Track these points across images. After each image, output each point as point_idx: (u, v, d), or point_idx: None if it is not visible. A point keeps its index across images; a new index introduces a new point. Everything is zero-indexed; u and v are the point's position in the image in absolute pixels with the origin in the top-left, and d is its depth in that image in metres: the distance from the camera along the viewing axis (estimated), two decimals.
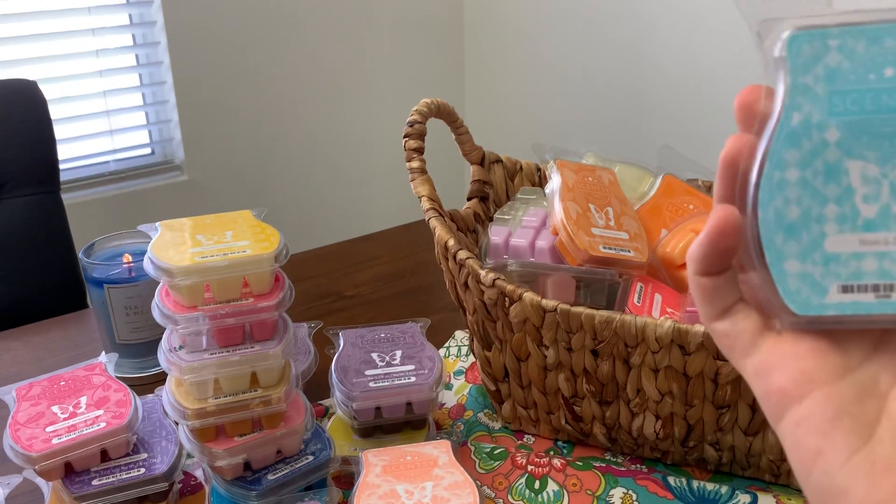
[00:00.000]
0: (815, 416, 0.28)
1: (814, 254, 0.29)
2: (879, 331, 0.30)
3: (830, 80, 0.29)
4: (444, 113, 0.75)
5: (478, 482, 0.58)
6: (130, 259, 0.81)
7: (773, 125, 0.29)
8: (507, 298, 0.62)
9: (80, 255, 0.80)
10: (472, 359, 0.83)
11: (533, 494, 0.65)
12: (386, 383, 0.66)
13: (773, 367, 0.30)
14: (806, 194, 0.29)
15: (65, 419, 0.58)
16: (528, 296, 0.60)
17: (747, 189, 0.29)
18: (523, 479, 0.67)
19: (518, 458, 0.69)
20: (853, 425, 0.28)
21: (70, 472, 0.57)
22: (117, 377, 0.63)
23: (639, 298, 0.64)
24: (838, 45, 0.29)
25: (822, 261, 0.29)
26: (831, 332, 0.30)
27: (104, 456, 0.58)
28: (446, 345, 0.86)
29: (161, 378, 0.71)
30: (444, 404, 0.77)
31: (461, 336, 0.87)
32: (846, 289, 0.29)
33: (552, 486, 0.66)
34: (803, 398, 0.29)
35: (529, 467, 0.68)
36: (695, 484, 0.65)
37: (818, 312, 0.29)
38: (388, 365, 0.69)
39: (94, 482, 0.57)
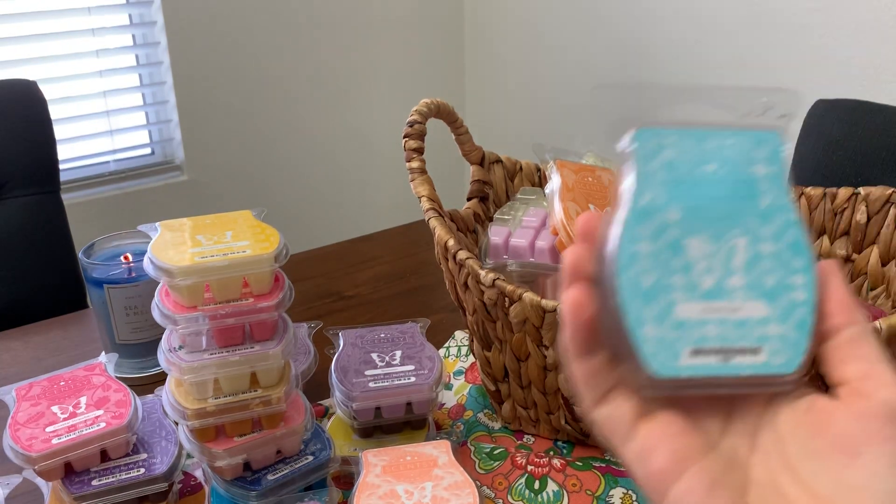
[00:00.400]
0: (694, 491, 0.31)
1: (667, 320, 0.32)
2: (726, 406, 0.34)
3: (669, 170, 0.34)
4: (444, 113, 0.75)
5: (478, 482, 0.58)
6: (130, 259, 0.81)
7: (626, 206, 0.34)
8: (506, 298, 0.62)
9: (80, 255, 0.80)
10: (471, 359, 0.83)
11: (533, 494, 0.65)
12: (386, 383, 0.66)
13: (651, 449, 0.32)
14: (656, 265, 0.33)
15: (65, 419, 0.58)
16: (528, 296, 0.60)
17: (606, 262, 0.33)
18: (523, 480, 0.67)
19: (518, 459, 0.69)
20: (728, 494, 0.31)
21: (70, 472, 0.57)
22: (117, 377, 0.63)
23: None
24: (673, 142, 0.35)
25: (674, 326, 0.32)
26: (691, 412, 0.33)
27: (104, 456, 0.58)
28: (446, 345, 0.86)
29: (161, 378, 0.71)
30: (443, 404, 0.77)
31: (461, 336, 0.87)
32: (696, 352, 0.32)
33: (552, 487, 0.66)
34: (681, 475, 0.31)
35: (529, 467, 0.68)
36: None
37: (674, 374, 0.32)
38: (388, 365, 0.69)
39: (94, 482, 0.57)
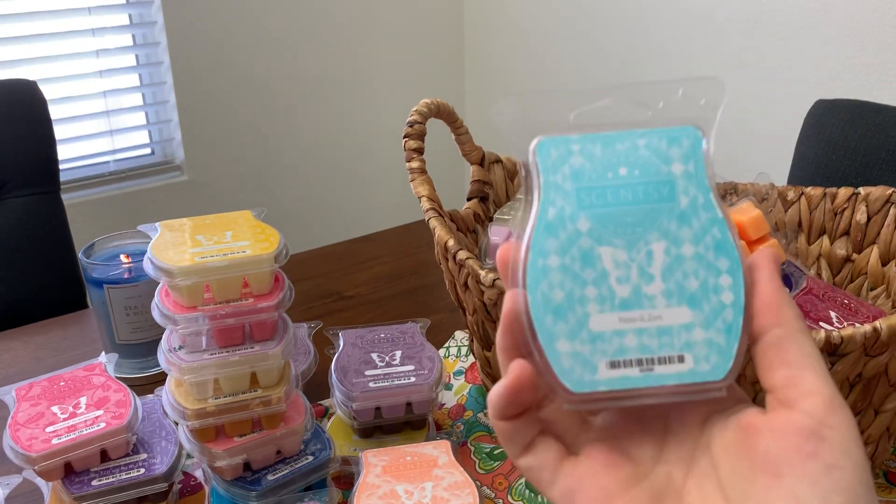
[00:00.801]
0: None
1: (581, 333, 0.31)
2: (660, 430, 0.33)
3: (576, 179, 0.33)
4: (444, 113, 0.75)
5: (478, 482, 0.58)
6: (130, 259, 0.81)
7: (532, 219, 0.33)
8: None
9: (80, 255, 0.80)
10: (471, 359, 0.83)
11: (533, 495, 0.65)
12: (386, 383, 0.66)
13: (574, 489, 0.32)
14: (567, 278, 0.32)
15: (65, 419, 0.58)
16: None
17: (517, 279, 0.32)
18: (523, 480, 0.67)
19: None
20: None
21: (70, 472, 0.57)
22: (117, 377, 0.63)
23: None
24: (580, 149, 0.33)
25: (589, 339, 0.31)
26: (622, 440, 0.33)
27: (104, 456, 0.58)
28: (446, 345, 0.86)
29: (161, 378, 0.71)
30: (443, 404, 0.77)
31: (461, 336, 0.87)
32: (614, 364, 0.31)
33: None
34: None
35: None
36: None
37: (591, 389, 0.31)
38: (388, 365, 0.69)
39: (94, 482, 0.57)
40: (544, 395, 0.33)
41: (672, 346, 0.31)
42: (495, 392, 0.32)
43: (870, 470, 0.28)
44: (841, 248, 0.76)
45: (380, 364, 0.69)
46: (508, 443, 0.33)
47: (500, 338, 0.33)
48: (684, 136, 0.33)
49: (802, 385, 0.29)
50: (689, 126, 0.34)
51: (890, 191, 0.73)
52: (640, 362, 0.31)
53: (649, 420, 0.33)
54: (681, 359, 0.31)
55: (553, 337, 0.31)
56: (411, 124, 0.72)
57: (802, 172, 1.07)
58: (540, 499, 0.65)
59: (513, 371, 0.31)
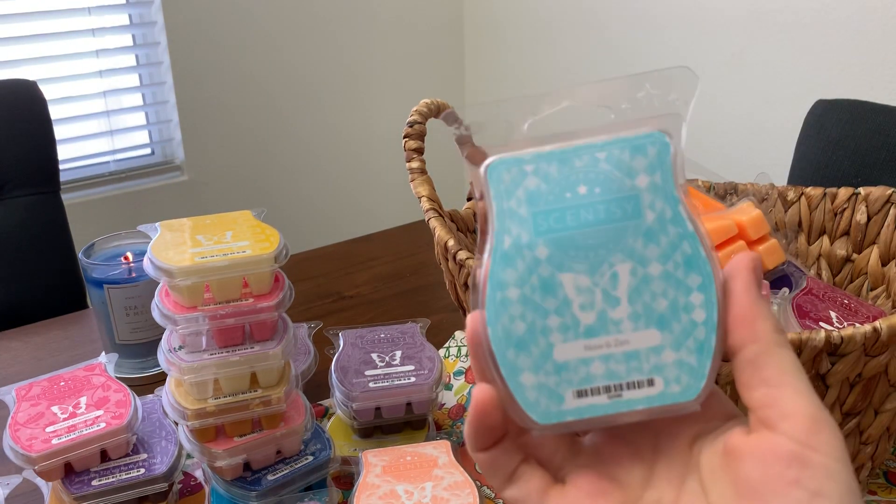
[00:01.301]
0: None
1: (545, 364, 0.30)
2: (650, 454, 0.32)
3: (532, 202, 0.31)
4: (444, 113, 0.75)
5: (478, 482, 0.58)
6: (130, 259, 0.81)
7: (488, 250, 0.31)
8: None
9: (80, 255, 0.80)
10: None
11: None
12: (386, 383, 0.66)
13: None
14: (528, 309, 0.30)
15: (65, 419, 0.58)
16: None
17: (478, 312, 0.31)
18: None
19: None
20: None
21: (70, 472, 0.57)
22: (117, 377, 0.63)
23: None
24: (534, 170, 0.31)
25: (554, 370, 0.30)
26: (610, 465, 0.32)
27: (104, 456, 0.58)
28: (446, 345, 0.86)
29: (161, 378, 0.71)
30: (443, 404, 0.77)
31: (461, 336, 0.87)
32: (581, 394, 0.30)
33: None
34: None
35: None
36: None
37: (558, 419, 0.30)
38: (388, 365, 0.69)
39: (94, 482, 0.57)
40: (502, 430, 0.33)
41: (640, 370, 0.30)
42: (466, 423, 0.32)
43: (858, 490, 0.27)
44: (841, 248, 0.76)
45: (380, 364, 0.69)
46: (490, 474, 0.32)
47: (471, 361, 0.32)
48: (649, 144, 0.31)
49: (782, 405, 0.28)
50: (654, 132, 0.31)
51: (890, 191, 0.73)
52: (607, 389, 0.30)
53: (638, 441, 0.33)
54: (650, 382, 0.30)
55: (516, 370, 0.30)
56: (411, 124, 0.72)
57: (802, 172, 1.07)
58: None
59: (474, 397, 0.31)
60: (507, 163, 0.32)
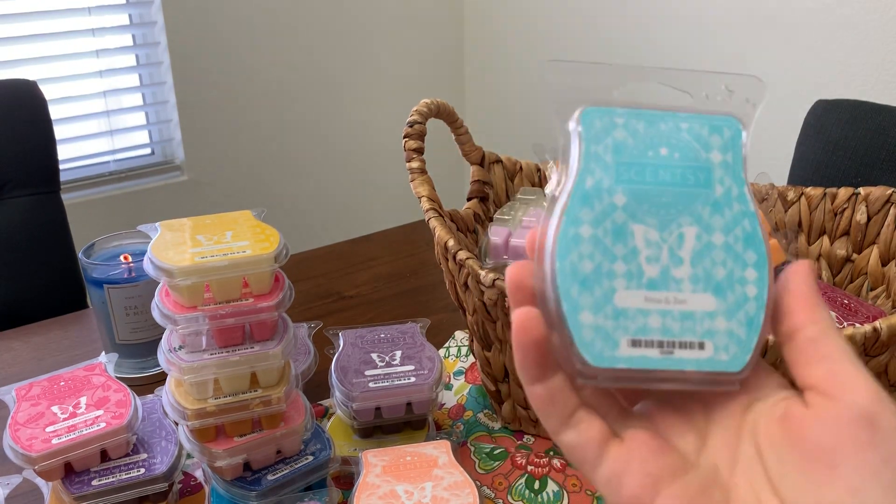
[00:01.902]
0: None
1: (605, 307, 0.31)
2: (702, 422, 0.32)
3: (617, 152, 0.33)
4: (444, 113, 0.75)
5: (478, 482, 0.58)
6: (130, 259, 0.81)
7: (569, 186, 0.32)
8: (506, 298, 0.62)
9: (80, 255, 0.80)
10: (471, 359, 0.83)
11: (533, 495, 0.65)
12: (386, 383, 0.66)
13: (622, 473, 0.30)
14: (598, 251, 0.31)
15: (65, 419, 0.58)
16: None
17: (545, 245, 0.31)
18: (523, 480, 0.67)
19: (518, 459, 0.69)
20: None
21: (70, 472, 0.57)
22: (117, 377, 0.63)
23: None
24: (624, 123, 0.33)
25: (613, 315, 0.31)
26: (662, 429, 0.32)
27: (104, 456, 0.58)
28: (446, 345, 0.86)
29: (161, 378, 0.71)
30: (443, 404, 0.77)
31: (461, 336, 0.87)
32: (635, 343, 0.31)
33: (552, 487, 0.66)
34: (653, 501, 0.29)
35: (529, 467, 0.68)
36: None
37: (610, 364, 0.30)
38: (388, 365, 0.69)
39: (94, 482, 0.57)
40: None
41: (694, 331, 0.31)
42: (514, 349, 0.31)
43: None
44: (841, 249, 0.76)
45: (380, 364, 0.69)
46: (547, 415, 0.31)
47: (511, 299, 0.32)
48: (725, 126, 0.33)
49: (845, 378, 0.29)
50: (731, 117, 0.33)
51: (890, 191, 0.73)
52: (661, 344, 0.31)
53: (689, 409, 0.32)
54: (701, 345, 0.31)
55: (578, 307, 0.31)
56: (411, 124, 0.72)
57: (802, 172, 1.07)
58: (540, 499, 0.65)
59: (516, 318, 0.30)
60: (601, 112, 0.33)
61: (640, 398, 0.34)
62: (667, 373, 0.31)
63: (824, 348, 0.30)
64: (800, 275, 0.31)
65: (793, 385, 0.31)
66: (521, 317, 0.30)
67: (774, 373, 0.32)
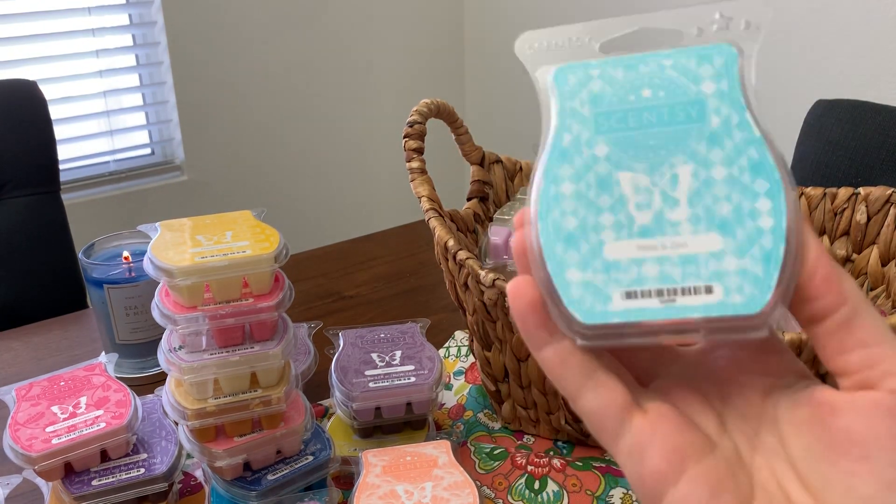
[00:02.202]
0: (695, 497, 0.27)
1: (594, 262, 0.29)
2: (720, 404, 0.30)
3: (595, 104, 0.31)
4: (444, 113, 0.75)
5: (478, 482, 0.58)
6: (130, 259, 0.81)
7: (547, 146, 0.31)
8: (507, 299, 0.62)
9: (80, 255, 0.80)
10: (471, 359, 0.83)
11: (533, 495, 0.65)
12: (386, 383, 0.66)
13: (645, 445, 0.28)
14: (581, 205, 0.30)
15: (65, 419, 0.58)
16: None
17: (529, 212, 0.30)
18: (523, 480, 0.67)
19: (518, 459, 0.69)
20: (733, 503, 0.27)
21: (70, 472, 0.57)
22: (117, 377, 0.63)
23: None
24: (600, 74, 0.31)
25: (603, 268, 0.29)
26: (682, 408, 0.30)
27: (104, 456, 0.58)
28: (446, 345, 0.86)
29: (161, 378, 0.71)
30: (443, 404, 0.77)
31: (461, 336, 0.87)
32: (630, 294, 0.28)
33: (552, 487, 0.66)
34: (679, 478, 0.28)
35: (529, 467, 0.68)
36: None
37: (603, 320, 0.28)
38: (388, 365, 0.69)
39: (94, 482, 0.57)
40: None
41: (698, 275, 0.28)
42: (513, 316, 0.30)
43: None
44: (841, 248, 0.76)
45: (380, 364, 0.69)
46: (561, 377, 0.29)
47: (518, 266, 0.30)
48: (716, 54, 0.31)
49: (883, 364, 0.26)
50: (722, 43, 0.31)
51: (890, 191, 0.73)
52: (660, 293, 0.28)
53: (707, 391, 0.31)
54: (708, 289, 0.28)
55: (563, 265, 0.29)
56: (411, 124, 0.72)
57: (802, 172, 1.07)
58: (540, 499, 0.65)
59: (509, 287, 0.30)
60: (573, 67, 0.32)
61: (654, 377, 0.32)
62: (671, 323, 0.28)
63: (859, 332, 0.27)
64: (812, 241, 0.28)
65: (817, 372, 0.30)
66: (514, 284, 0.29)
67: (793, 356, 0.31)
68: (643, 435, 0.28)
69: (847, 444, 0.26)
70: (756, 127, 0.29)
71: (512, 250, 0.31)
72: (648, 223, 0.29)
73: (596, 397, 0.29)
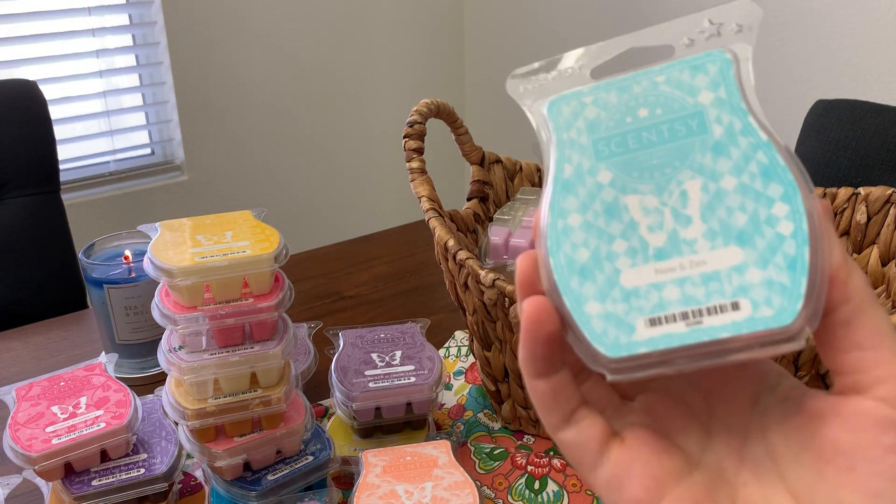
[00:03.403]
0: None
1: (612, 292, 0.28)
2: (705, 416, 0.30)
3: (592, 130, 0.30)
4: (444, 113, 0.75)
5: (478, 482, 0.58)
6: (130, 259, 0.81)
7: (549, 180, 0.30)
8: (506, 299, 0.62)
9: (80, 255, 0.80)
10: (471, 359, 0.83)
11: (533, 494, 0.65)
12: (386, 383, 0.66)
13: (623, 476, 0.28)
14: (591, 236, 0.29)
15: (65, 419, 0.58)
16: None
17: (540, 249, 0.29)
18: (523, 480, 0.67)
19: (518, 459, 0.69)
20: None
21: (70, 472, 0.57)
22: (117, 377, 0.63)
23: None
24: (593, 100, 0.31)
25: (623, 297, 0.28)
26: (666, 430, 0.30)
27: (104, 456, 0.58)
28: (446, 345, 0.86)
29: (161, 378, 0.71)
30: (443, 404, 0.77)
31: (461, 336, 0.87)
32: (654, 322, 0.27)
33: (552, 487, 0.66)
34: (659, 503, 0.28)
35: (529, 467, 0.68)
36: None
37: (629, 352, 0.27)
38: (388, 365, 0.69)
39: (94, 482, 0.57)
40: (580, 361, 0.30)
41: (722, 292, 0.27)
42: (521, 341, 0.29)
43: None
44: None
45: (380, 364, 0.69)
46: (547, 410, 0.30)
47: (518, 306, 0.30)
48: (710, 62, 0.30)
49: (876, 369, 0.26)
50: (713, 50, 0.30)
51: (890, 191, 0.73)
52: (684, 315, 0.27)
53: (692, 402, 0.30)
54: (735, 306, 0.27)
55: (580, 299, 0.28)
56: (411, 124, 0.72)
57: None
58: (540, 499, 0.65)
59: (527, 307, 0.28)
60: (566, 97, 0.31)
61: (639, 390, 0.32)
62: (700, 346, 0.27)
63: (856, 333, 0.26)
64: (823, 234, 0.27)
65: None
66: (534, 307, 0.28)
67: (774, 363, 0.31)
68: (620, 466, 0.29)
69: (833, 454, 0.26)
70: (761, 130, 0.29)
71: (516, 275, 0.30)
72: (663, 245, 0.28)
73: (577, 432, 0.29)
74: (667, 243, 0.28)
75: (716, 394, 0.30)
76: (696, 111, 0.29)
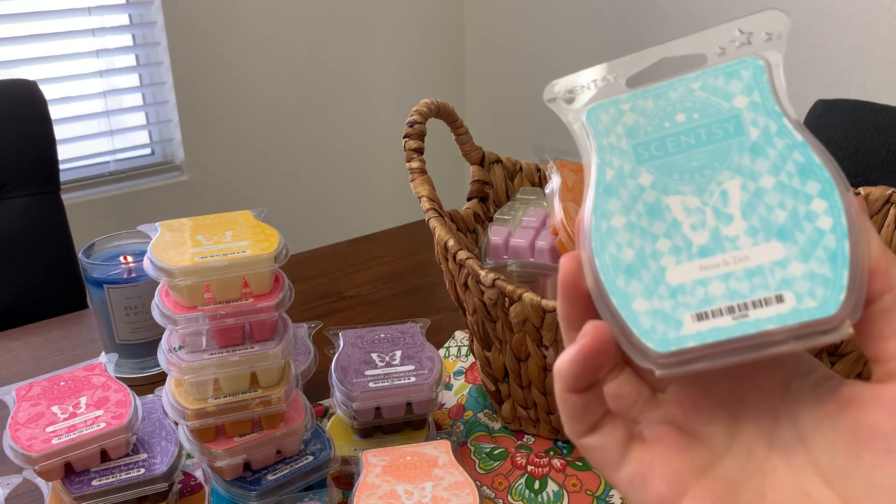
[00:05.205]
0: None
1: (658, 289, 0.29)
2: (735, 405, 0.30)
3: (631, 136, 0.32)
4: (444, 113, 0.75)
5: (478, 482, 0.58)
6: (130, 259, 0.81)
7: (591, 184, 0.31)
8: (506, 298, 0.62)
9: (80, 255, 0.80)
10: (471, 359, 0.83)
11: (533, 494, 0.65)
12: (386, 383, 0.66)
13: (646, 475, 0.29)
14: (636, 235, 0.30)
15: (65, 419, 0.58)
16: (528, 296, 0.60)
17: (585, 253, 0.30)
18: (523, 480, 0.67)
19: (518, 459, 0.69)
20: None
21: (70, 472, 0.57)
22: (117, 377, 0.63)
23: None
24: (631, 107, 0.32)
25: (669, 294, 0.29)
26: (690, 424, 0.30)
27: (104, 456, 0.58)
28: (446, 345, 0.86)
29: (161, 378, 0.71)
30: (443, 404, 0.77)
31: (461, 336, 0.87)
32: (701, 316, 0.28)
33: (552, 487, 0.66)
34: (681, 500, 0.28)
35: (529, 467, 0.68)
36: None
37: (678, 346, 0.28)
38: (388, 365, 0.69)
39: (94, 482, 0.57)
40: (609, 367, 0.31)
41: (766, 286, 0.28)
42: (567, 359, 0.29)
43: None
44: None
45: (380, 364, 0.69)
46: (574, 420, 0.30)
47: (559, 307, 0.31)
48: (743, 69, 0.31)
49: None
50: (746, 57, 0.31)
51: (890, 191, 0.73)
52: (731, 309, 0.28)
53: (722, 391, 0.31)
54: (779, 298, 0.27)
55: (628, 298, 0.29)
56: (411, 124, 0.72)
57: None
58: (540, 499, 0.65)
59: (588, 332, 0.29)
60: (604, 105, 0.32)
61: (668, 382, 0.32)
62: (748, 338, 0.27)
63: None
64: (863, 227, 0.28)
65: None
66: (596, 333, 0.29)
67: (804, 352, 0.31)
68: (642, 464, 0.30)
69: (871, 437, 0.26)
70: (797, 131, 0.30)
71: (559, 279, 0.31)
72: (706, 242, 0.29)
73: (599, 436, 0.30)
74: (710, 241, 0.29)
75: (746, 381, 0.31)
76: (732, 115, 0.31)
